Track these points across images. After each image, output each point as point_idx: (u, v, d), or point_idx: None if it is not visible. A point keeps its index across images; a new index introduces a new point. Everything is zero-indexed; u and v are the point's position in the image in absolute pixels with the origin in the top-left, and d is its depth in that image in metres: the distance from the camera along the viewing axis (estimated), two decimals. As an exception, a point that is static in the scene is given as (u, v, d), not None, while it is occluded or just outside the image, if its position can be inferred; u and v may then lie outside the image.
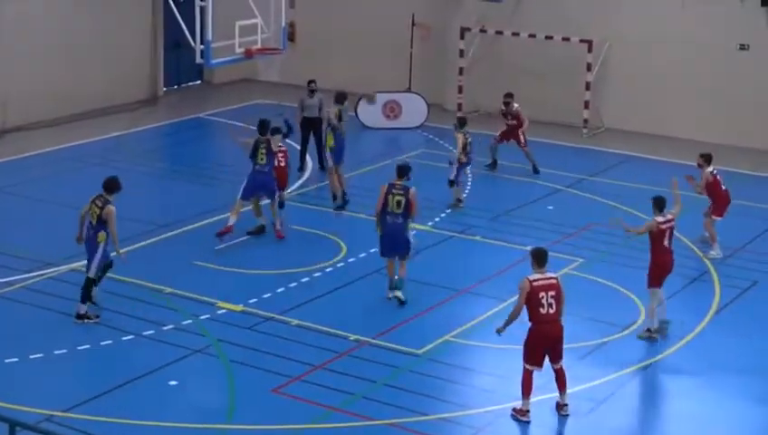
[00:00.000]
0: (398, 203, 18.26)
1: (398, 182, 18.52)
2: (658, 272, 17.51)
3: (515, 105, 25.55)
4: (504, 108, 25.71)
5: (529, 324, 14.92)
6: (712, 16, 27.98)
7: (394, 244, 18.48)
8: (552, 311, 14.77)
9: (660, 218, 17.40)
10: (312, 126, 25.71)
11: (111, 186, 17.79)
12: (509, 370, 16.62)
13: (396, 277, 18.51)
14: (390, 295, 18.48)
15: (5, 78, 27.21)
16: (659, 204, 17.50)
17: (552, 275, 15.03)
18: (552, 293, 14.77)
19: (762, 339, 17.64)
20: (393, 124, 29.25)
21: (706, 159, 21.13)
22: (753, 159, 26.82)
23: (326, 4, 32.52)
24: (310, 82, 25.75)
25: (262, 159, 20.85)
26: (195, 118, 30.35)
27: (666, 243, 17.54)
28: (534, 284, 14.77)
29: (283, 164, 21.37)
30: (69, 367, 16.14)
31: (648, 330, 17.49)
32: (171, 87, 32.76)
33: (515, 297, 17.83)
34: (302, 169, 25.61)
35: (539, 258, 15.03)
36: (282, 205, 21.13)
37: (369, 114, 29.57)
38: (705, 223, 21.13)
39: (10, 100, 27.04)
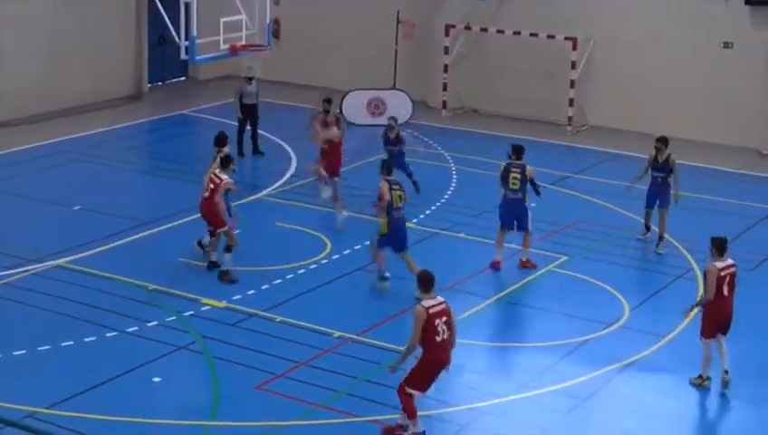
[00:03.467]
0: (400, 197, 18.46)
1: (393, 178, 18.74)
2: (713, 321, 15.87)
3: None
4: None
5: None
6: (696, 15, 28.02)
7: (403, 237, 18.65)
8: (445, 337, 13.87)
9: (720, 264, 15.56)
10: (250, 113, 26.43)
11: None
12: (492, 367, 16.70)
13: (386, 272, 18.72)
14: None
15: (14, 76, 27.10)
16: (720, 247, 15.61)
17: (442, 299, 14.00)
18: (444, 319, 13.91)
19: (745, 339, 17.63)
20: (378, 121, 29.20)
21: (664, 142, 20.99)
22: (736, 157, 26.85)
23: (311, 1, 32.42)
24: (248, 68, 26.84)
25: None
26: (179, 114, 30.29)
27: (725, 291, 15.64)
28: (430, 311, 13.74)
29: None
30: (52, 364, 16.06)
31: (700, 377, 16.01)
32: (156, 83, 32.70)
33: (500, 294, 17.96)
34: (241, 154, 26.12)
35: (426, 283, 14.03)
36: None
37: (354, 111, 29.57)
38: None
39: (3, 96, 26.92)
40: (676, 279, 19.88)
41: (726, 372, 15.77)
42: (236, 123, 26.56)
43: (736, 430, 15.34)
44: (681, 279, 19.90)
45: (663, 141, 21.09)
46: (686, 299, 18.79)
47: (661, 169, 20.96)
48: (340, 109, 29.26)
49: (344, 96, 29.82)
